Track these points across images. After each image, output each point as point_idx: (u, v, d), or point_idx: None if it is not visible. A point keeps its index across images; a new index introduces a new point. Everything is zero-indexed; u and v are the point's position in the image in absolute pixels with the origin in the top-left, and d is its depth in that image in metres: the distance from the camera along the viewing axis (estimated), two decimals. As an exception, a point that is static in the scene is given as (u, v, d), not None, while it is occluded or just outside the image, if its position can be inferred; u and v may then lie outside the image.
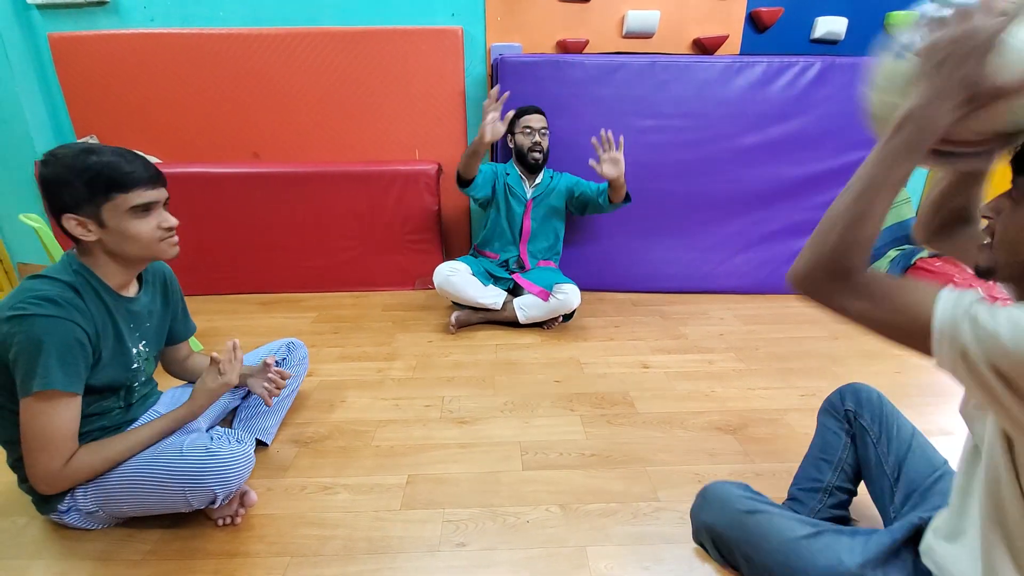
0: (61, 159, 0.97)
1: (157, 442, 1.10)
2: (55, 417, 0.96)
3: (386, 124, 2.72)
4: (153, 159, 2.70)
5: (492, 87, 2.58)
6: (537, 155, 2.26)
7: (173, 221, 1.07)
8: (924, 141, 0.59)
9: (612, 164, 2.06)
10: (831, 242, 0.61)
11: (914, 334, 0.57)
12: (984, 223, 0.67)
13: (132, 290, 1.14)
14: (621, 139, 2.06)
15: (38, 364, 0.93)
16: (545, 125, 2.27)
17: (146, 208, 1.02)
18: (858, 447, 1.07)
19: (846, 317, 0.62)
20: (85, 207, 0.98)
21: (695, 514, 0.82)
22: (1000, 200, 0.65)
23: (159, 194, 1.04)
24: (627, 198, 2.23)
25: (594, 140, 2.07)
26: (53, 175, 0.97)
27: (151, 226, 1.04)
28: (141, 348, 1.16)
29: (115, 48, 2.53)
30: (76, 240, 1.02)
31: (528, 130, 2.26)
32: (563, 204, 2.37)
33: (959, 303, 0.55)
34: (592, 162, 2.08)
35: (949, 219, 0.84)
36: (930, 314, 0.56)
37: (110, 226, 1.00)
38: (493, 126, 1.99)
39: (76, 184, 0.96)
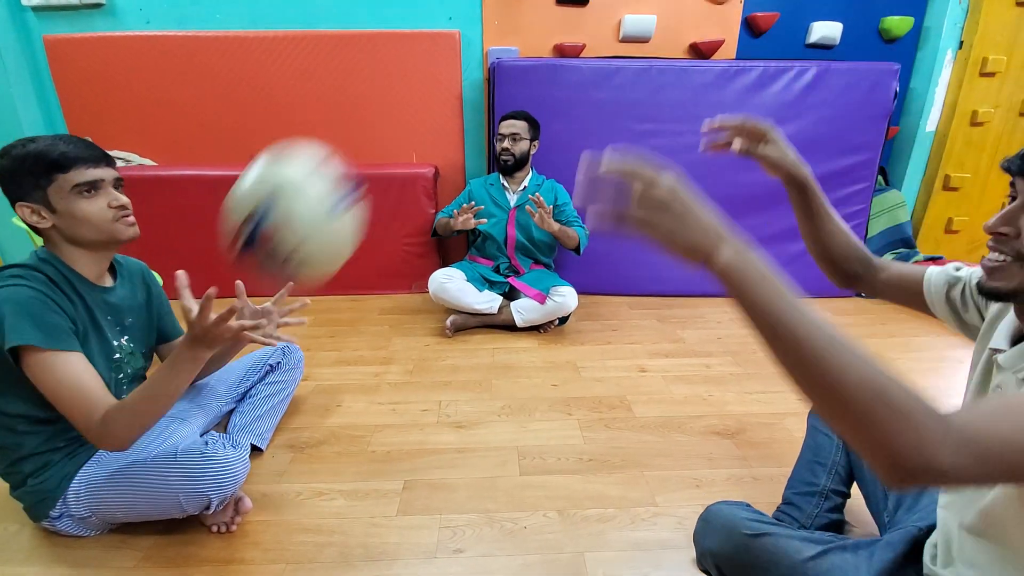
0: (9, 152, 0.98)
1: (182, 389, 1.01)
2: (57, 374, 0.94)
3: (383, 127, 2.72)
4: (148, 162, 2.69)
5: (489, 91, 2.59)
6: (506, 158, 2.29)
7: (124, 199, 1.06)
8: None
9: (540, 220, 2.11)
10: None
11: None
12: (997, 240, 0.61)
13: (107, 282, 1.13)
14: (549, 210, 2.12)
15: (4, 325, 0.91)
16: (518, 131, 2.27)
17: (91, 187, 1.01)
18: (849, 451, 1.07)
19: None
20: (33, 193, 0.98)
21: (698, 540, 0.80)
22: (1018, 214, 0.59)
23: (104, 172, 1.03)
24: (577, 250, 2.28)
25: (531, 199, 2.13)
26: (3, 168, 0.98)
27: (99, 206, 1.02)
28: (124, 342, 1.14)
29: (110, 50, 2.52)
30: (37, 231, 1.02)
31: (499, 136, 2.29)
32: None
33: None
34: (528, 208, 2.18)
35: (844, 268, 0.86)
36: None
37: (59, 209, 1.00)
38: (465, 223, 2.18)
39: (20, 172, 0.97)
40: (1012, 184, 0.61)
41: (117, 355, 1.12)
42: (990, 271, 0.63)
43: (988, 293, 0.63)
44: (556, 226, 2.14)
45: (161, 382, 0.98)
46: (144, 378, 1.25)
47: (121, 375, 1.15)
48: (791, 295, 0.47)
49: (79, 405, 0.95)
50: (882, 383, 0.43)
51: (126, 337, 1.15)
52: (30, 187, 0.98)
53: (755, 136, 0.86)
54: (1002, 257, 0.61)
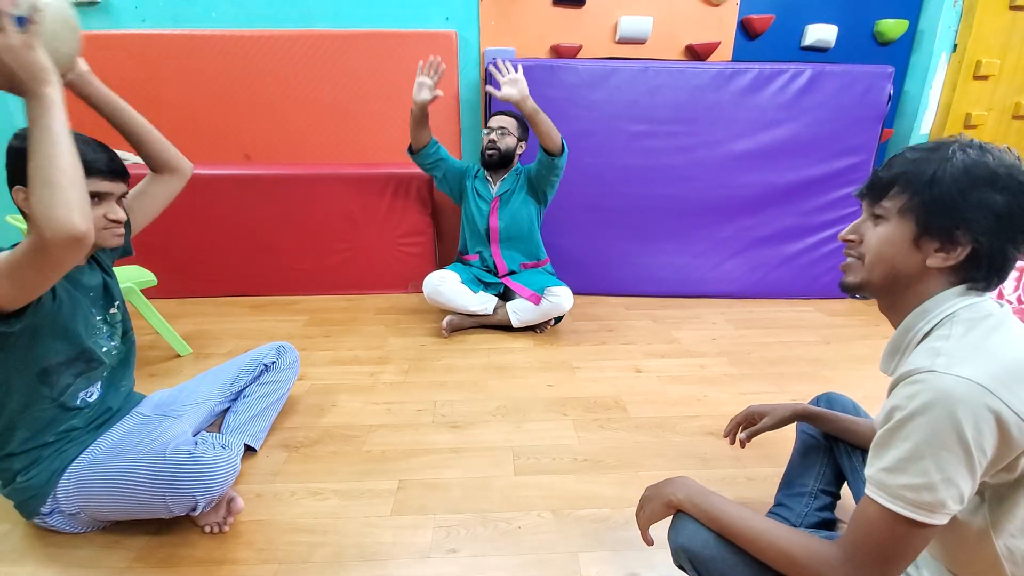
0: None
1: (61, 129, 0.95)
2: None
3: (379, 127, 2.71)
4: (140, 160, 2.67)
5: (486, 91, 2.59)
6: (491, 152, 2.26)
7: (121, 215, 1.10)
8: None
9: (511, 85, 2.00)
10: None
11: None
12: (848, 245, 0.76)
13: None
14: (520, 67, 2.02)
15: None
16: (504, 125, 2.26)
17: (98, 197, 1.05)
18: (835, 454, 1.09)
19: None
20: None
21: (671, 536, 0.81)
22: (861, 224, 0.74)
23: (115, 187, 1.08)
24: (563, 148, 2.10)
25: (491, 67, 2.04)
26: (20, 148, 0.99)
27: (97, 215, 1.05)
28: (112, 312, 1.18)
29: (106, 49, 2.51)
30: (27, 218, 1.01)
31: (487, 130, 2.28)
32: (532, 196, 2.30)
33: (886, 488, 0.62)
34: (491, 89, 2.03)
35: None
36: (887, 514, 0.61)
37: None
38: (419, 89, 2.06)
39: None
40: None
41: (98, 320, 1.13)
42: (844, 269, 0.77)
43: (844, 288, 0.77)
44: (523, 88, 1.99)
45: (37, 141, 0.91)
46: (128, 370, 1.28)
47: (102, 351, 1.14)
48: (719, 503, 0.77)
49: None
50: (788, 552, 0.67)
51: (113, 308, 1.19)
52: None
53: (750, 422, 1.15)
54: (851, 259, 0.76)
